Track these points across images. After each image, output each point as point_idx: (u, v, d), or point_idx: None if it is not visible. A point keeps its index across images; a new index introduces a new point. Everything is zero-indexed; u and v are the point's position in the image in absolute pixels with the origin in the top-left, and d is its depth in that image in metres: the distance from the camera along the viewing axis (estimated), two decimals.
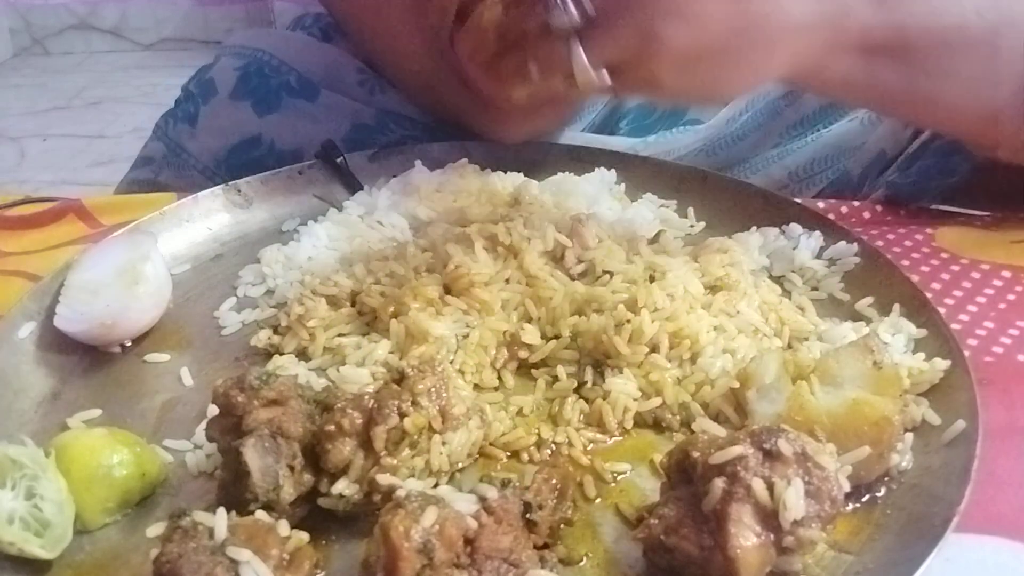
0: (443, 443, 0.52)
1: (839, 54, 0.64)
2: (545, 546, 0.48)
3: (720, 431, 0.50)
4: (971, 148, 0.77)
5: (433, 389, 0.53)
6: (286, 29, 1.08)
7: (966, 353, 0.58)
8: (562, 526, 0.50)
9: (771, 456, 0.45)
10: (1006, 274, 0.70)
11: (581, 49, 0.60)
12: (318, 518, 0.52)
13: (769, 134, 0.94)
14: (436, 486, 0.51)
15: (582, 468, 0.55)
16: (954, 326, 0.62)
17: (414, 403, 0.52)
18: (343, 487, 0.50)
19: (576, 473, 0.54)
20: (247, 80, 0.97)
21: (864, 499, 0.51)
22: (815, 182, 0.92)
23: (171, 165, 0.99)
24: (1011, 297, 0.68)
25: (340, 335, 0.65)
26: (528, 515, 0.47)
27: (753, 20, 0.60)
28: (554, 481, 0.50)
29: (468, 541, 0.44)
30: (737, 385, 0.56)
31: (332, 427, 0.50)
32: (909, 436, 0.53)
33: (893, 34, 0.65)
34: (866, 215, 0.80)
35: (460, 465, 0.54)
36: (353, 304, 0.67)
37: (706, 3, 0.59)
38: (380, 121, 0.93)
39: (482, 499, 0.45)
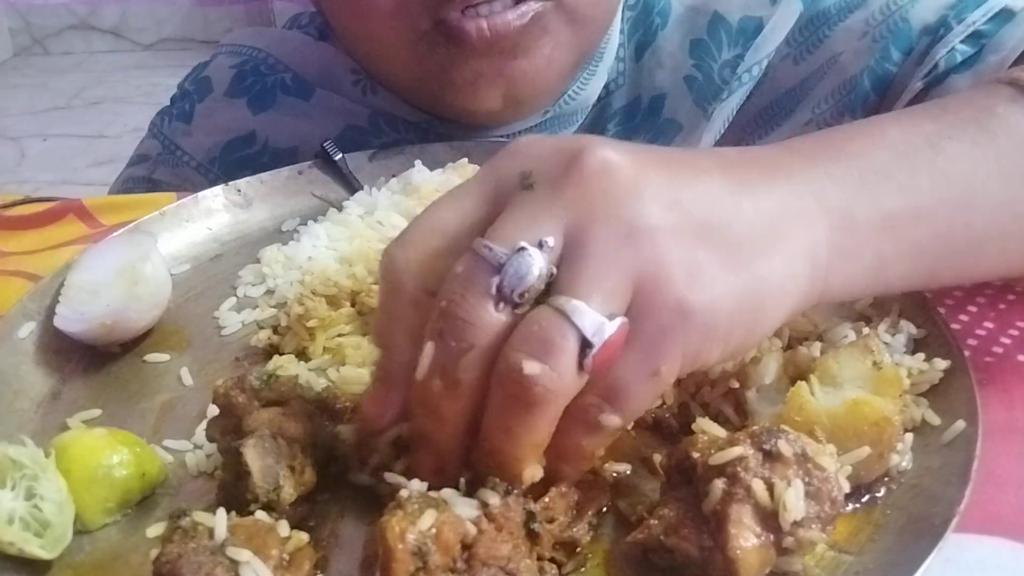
0: None
1: (851, 239, 0.50)
2: (551, 559, 0.47)
3: (720, 431, 0.50)
4: None
5: None
6: (283, 28, 1.08)
7: (966, 353, 0.58)
8: (578, 549, 0.48)
9: (771, 457, 0.45)
10: None
11: (576, 303, 0.43)
12: (318, 518, 0.52)
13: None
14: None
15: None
16: (954, 326, 0.62)
17: None
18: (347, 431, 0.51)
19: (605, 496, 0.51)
20: (242, 78, 0.98)
21: (864, 499, 0.51)
22: None
23: (166, 162, 1.00)
24: (1011, 297, 0.68)
25: (340, 335, 0.65)
26: (531, 525, 0.46)
27: (742, 216, 0.47)
28: (575, 499, 0.49)
29: (466, 547, 0.44)
30: (737, 385, 0.56)
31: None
32: (909, 436, 0.53)
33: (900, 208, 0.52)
34: None
35: None
36: (353, 304, 0.67)
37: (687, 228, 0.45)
38: (373, 122, 0.93)
39: (484, 505, 0.45)
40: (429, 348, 0.44)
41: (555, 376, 0.42)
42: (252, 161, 0.94)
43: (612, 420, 0.45)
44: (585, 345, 0.42)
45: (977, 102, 0.58)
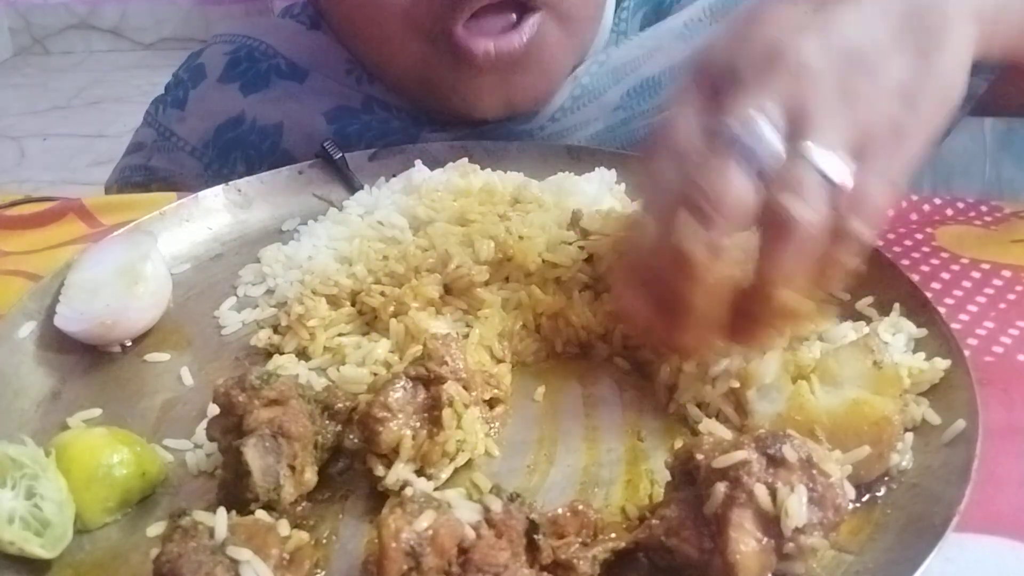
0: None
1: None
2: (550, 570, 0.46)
3: (726, 433, 0.50)
4: None
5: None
6: (277, 17, 1.08)
7: (966, 353, 0.57)
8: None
9: (775, 462, 0.45)
10: (1006, 274, 0.70)
11: (812, 145, 0.49)
12: (318, 518, 0.52)
13: None
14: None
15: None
16: (954, 326, 0.62)
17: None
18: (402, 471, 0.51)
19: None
20: (236, 64, 0.98)
21: (864, 499, 0.51)
22: None
23: (161, 149, 1.00)
24: (1011, 297, 0.68)
25: (340, 335, 0.65)
26: (534, 535, 0.45)
27: None
28: (593, 518, 0.48)
29: (463, 551, 0.43)
30: (737, 385, 0.56)
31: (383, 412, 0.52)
32: (909, 436, 0.53)
33: None
34: None
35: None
36: (353, 304, 0.67)
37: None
38: (366, 104, 0.94)
39: (486, 510, 0.45)
40: (683, 216, 0.49)
41: (817, 211, 0.49)
42: (241, 141, 0.95)
43: (864, 230, 0.50)
44: (833, 186, 0.49)
45: None
